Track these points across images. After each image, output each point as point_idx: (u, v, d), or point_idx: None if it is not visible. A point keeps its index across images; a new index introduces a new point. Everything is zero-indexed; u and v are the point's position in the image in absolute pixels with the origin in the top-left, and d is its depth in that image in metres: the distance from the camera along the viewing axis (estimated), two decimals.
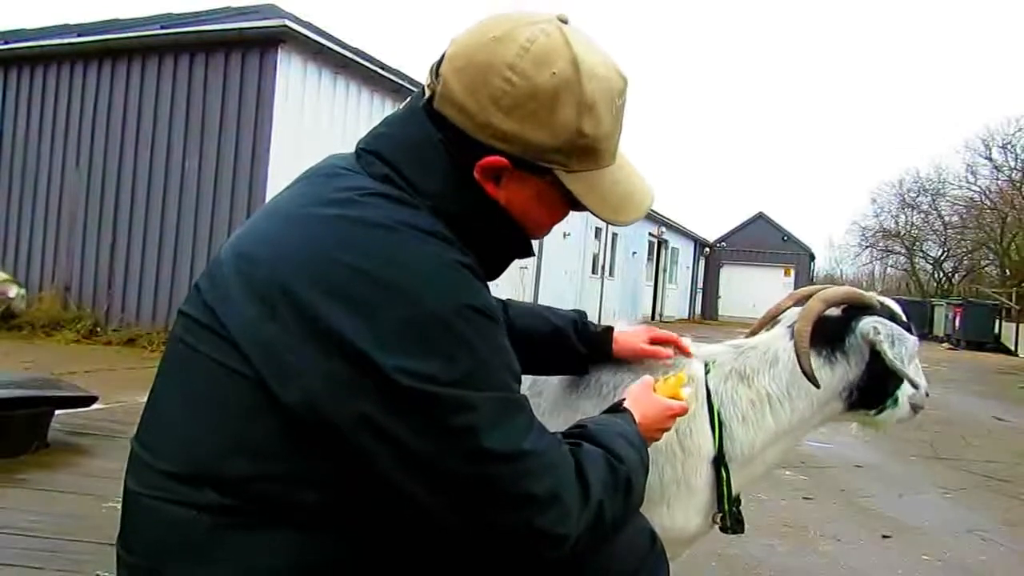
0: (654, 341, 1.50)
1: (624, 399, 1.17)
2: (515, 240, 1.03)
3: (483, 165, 0.94)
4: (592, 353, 1.48)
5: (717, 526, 1.49)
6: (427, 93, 0.98)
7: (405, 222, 0.90)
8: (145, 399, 1.00)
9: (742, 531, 1.51)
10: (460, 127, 0.94)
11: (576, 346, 1.46)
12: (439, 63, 0.97)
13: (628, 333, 1.50)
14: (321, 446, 0.85)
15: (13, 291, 7.95)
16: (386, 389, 0.82)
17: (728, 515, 1.47)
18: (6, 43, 8.81)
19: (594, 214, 1.02)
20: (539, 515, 0.87)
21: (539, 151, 0.94)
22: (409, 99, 1.03)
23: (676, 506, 1.45)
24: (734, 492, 1.49)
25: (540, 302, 13.42)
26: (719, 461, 1.46)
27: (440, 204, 0.94)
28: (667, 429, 1.21)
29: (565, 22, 0.97)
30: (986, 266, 31.62)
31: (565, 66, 0.92)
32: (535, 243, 1.09)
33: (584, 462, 0.96)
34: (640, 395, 1.18)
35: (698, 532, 1.50)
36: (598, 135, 0.96)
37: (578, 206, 1.02)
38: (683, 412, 1.21)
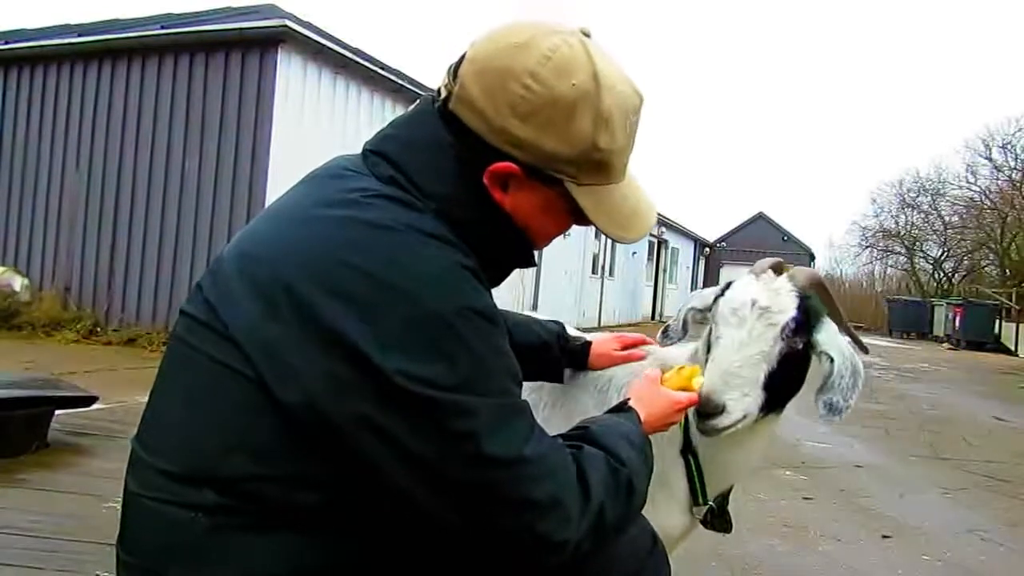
0: (625, 346, 1.56)
1: (628, 398, 1.17)
2: (518, 248, 1.03)
3: (494, 170, 0.94)
4: (570, 365, 1.54)
5: (699, 519, 1.46)
6: (443, 94, 0.98)
7: (409, 224, 0.89)
8: (146, 399, 1.00)
9: (728, 530, 1.49)
10: (474, 130, 0.94)
11: (559, 358, 1.51)
12: (458, 64, 0.97)
13: (600, 343, 1.56)
14: (321, 447, 0.85)
15: (18, 283, 7.97)
16: (386, 391, 0.82)
17: (709, 510, 1.45)
18: (6, 43, 8.81)
19: (599, 229, 1.02)
20: (540, 520, 0.87)
21: (552, 160, 0.94)
22: (418, 102, 1.03)
23: (659, 500, 1.41)
24: (717, 487, 1.46)
25: (540, 302, 13.29)
26: (686, 450, 1.43)
27: (446, 207, 0.94)
28: (675, 422, 1.22)
29: (588, 35, 0.97)
30: (986, 266, 31.58)
31: (585, 78, 0.92)
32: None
33: (585, 465, 0.95)
34: (644, 392, 1.18)
35: (682, 529, 1.47)
36: (612, 149, 0.96)
37: (583, 220, 1.02)
38: (692, 404, 1.21)
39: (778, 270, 1.36)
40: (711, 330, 1.38)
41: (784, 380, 1.31)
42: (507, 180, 0.96)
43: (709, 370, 1.29)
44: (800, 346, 1.32)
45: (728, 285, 1.39)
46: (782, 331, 1.29)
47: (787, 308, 1.30)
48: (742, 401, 1.26)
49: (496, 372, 0.89)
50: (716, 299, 1.38)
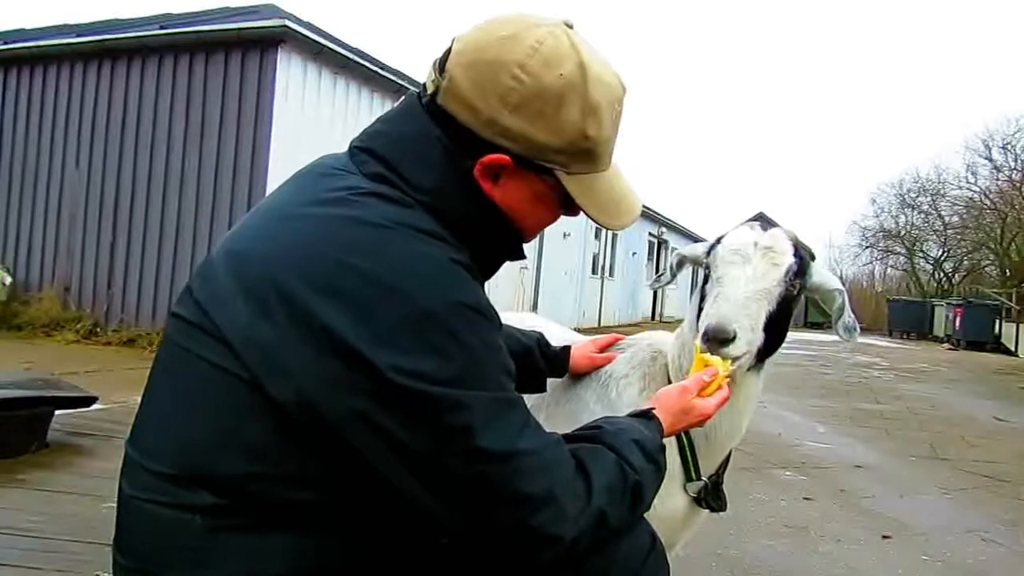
0: (601, 348, 1.60)
1: (653, 407, 1.15)
2: (508, 241, 1.03)
3: (485, 162, 0.95)
4: (551, 372, 1.55)
5: (693, 496, 1.45)
6: (429, 89, 0.98)
7: (399, 221, 0.90)
8: None
9: (723, 508, 1.49)
10: (464, 123, 0.94)
11: (540, 364, 1.52)
12: (444, 59, 0.97)
13: (579, 347, 1.60)
14: (317, 445, 0.85)
15: (8, 279, 8.04)
16: (381, 387, 0.82)
17: (704, 487, 1.45)
18: (6, 43, 8.81)
19: (589, 217, 1.03)
20: (533, 515, 0.87)
21: (542, 151, 0.95)
22: (404, 97, 1.04)
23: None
24: (709, 458, 1.46)
25: (540, 302, 13.32)
26: None
27: (436, 201, 0.94)
28: (698, 426, 1.22)
29: (571, 27, 0.98)
30: (986, 266, 31.55)
31: (572, 68, 0.94)
32: (531, 244, 1.10)
33: (588, 464, 0.95)
34: (672, 403, 1.16)
35: (683, 511, 1.46)
36: (599, 138, 0.98)
37: (572, 209, 1.03)
38: (723, 401, 1.21)
39: (763, 228, 1.42)
40: (706, 279, 1.40)
41: (777, 326, 1.34)
42: (498, 172, 0.96)
43: (716, 303, 1.30)
44: (796, 291, 1.36)
45: (720, 238, 1.42)
46: (786, 273, 1.33)
47: (787, 250, 1.35)
48: (749, 333, 1.27)
49: (490, 366, 0.89)
50: (710, 249, 1.41)
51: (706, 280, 1.40)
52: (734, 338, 1.23)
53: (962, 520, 3.57)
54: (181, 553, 0.88)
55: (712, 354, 1.24)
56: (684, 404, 1.16)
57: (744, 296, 1.29)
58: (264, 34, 7.26)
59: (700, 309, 1.37)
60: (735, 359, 1.26)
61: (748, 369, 1.36)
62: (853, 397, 7.85)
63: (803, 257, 1.37)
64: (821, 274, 1.43)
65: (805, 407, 6.64)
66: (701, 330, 1.27)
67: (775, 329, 1.34)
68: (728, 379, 1.24)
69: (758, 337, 1.30)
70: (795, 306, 1.40)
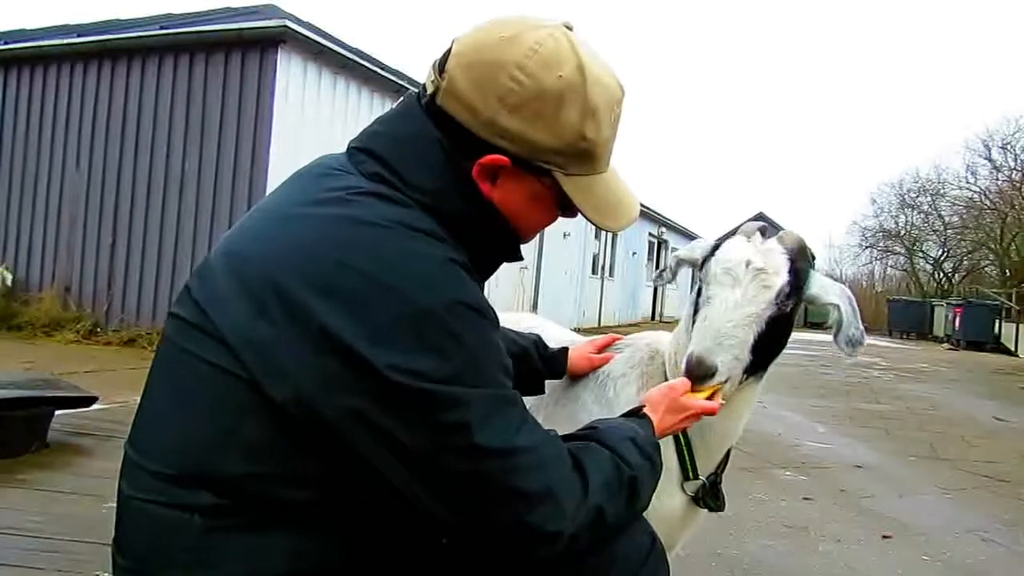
0: (600, 349, 1.60)
1: (643, 404, 1.17)
2: (506, 241, 1.03)
3: (484, 163, 0.95)
4: (549, 373, 1.54)
5: (690, 496, 1.45)
6: (429, 89, 0.98)
7: (397, 220, 0.90)
8: None
9: (721, 508, 1.49)
10: (463, 124, 0.95)
11: (538, 366, 1.51)
12: (444, 59, 0.97)
13: (576, 348, 1.59)
14: (315, 444, 0.85)
15: (10, 277, 8.09)
16: (378, 386, 0.82)
17: (701, 486, 1.44)
18: (6, 43, 8.81)
19: (587, 218, 1.03)
20: (530, 511, 0.88)
21: (540, 151, 0.95)
22: (403, 97, 1.04)
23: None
24: (707, 458, 1.45)
25: (540, 302, 13.30)
26: None
27: (434, 202, 0.94)
28: (687, 427, 1.22)
29: (570, 29, 0.99)
30: (986, 266, 31.54)
31: (572, 70, 0.94)
32: (531, 244, 1.10)
33: (585, 461, 0.95)
34: (660, 399, 1.17)
35: (681, 510, 1.46)
36: (598, 140, 0.98)
37: (569, 211, 1.03)
38: (711, 411, 1.21)
39: (764, 233, 1.36)
40: (699, 291, 1.36)
41: (769, 343, 1.30)
42: (496, 172, 0.97)
43: (700, 331, 1.28)
44: (789, 308, 1.32)
45: (717, 245, 1.38)
46: (777, 295, 1.28)
47: (780, 270, 1.29)
48: (732, 362, 1.25)
49: (487, 364, 0.89)
50: (705, 260, 1.37)
51: (700, 291, 1.37)
52: (714, 373, 1.22)
53: (962, 520, 3.57)
54: (180, 553, 0.88)
55: (694, 385, 1.23)
56: (671, 402, 1.17)
57: (730, 324, 1.26)
58: (264, 34, 7.26)
59: (694, 318, 1.34)
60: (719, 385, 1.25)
61: (748, 377, 1.34)
62: (853, 397, 7.84)
63: (799, 272, 1.31)
64: (821, 285, 1.37)
65: (805, 407, 6.63)
66: (683, 362, 1.25)
67: (770, 344, 1.31)
68: (714, 393, 1.24)
69: (743, 362, 1.28)
70: (795, 316, 1.37)
